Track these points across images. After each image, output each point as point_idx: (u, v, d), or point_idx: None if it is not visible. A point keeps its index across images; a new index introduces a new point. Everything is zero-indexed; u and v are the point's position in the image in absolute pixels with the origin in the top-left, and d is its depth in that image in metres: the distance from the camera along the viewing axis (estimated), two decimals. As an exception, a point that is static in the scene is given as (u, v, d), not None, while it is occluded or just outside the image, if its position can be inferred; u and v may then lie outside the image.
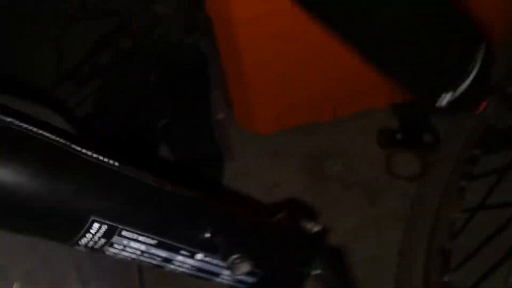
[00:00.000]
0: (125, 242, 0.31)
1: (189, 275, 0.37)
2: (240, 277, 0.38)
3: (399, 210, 0.83)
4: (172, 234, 0.33)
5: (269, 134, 0.94)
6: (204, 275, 0.37)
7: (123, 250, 0.32)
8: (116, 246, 0.31)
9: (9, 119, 0.27)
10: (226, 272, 0.38)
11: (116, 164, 0.31)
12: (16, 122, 0.27)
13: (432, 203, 0.73)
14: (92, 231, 0.30)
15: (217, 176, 0.90)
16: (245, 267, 0.36)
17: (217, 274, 0.38)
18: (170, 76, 0.89)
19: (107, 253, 0.32)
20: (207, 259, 0.36)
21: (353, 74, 0.85)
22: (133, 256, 0.33)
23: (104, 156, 0.31)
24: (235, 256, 0.36)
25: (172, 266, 0.35)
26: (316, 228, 0.46)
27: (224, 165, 0.91)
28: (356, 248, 0.80)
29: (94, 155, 0.30)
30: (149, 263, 0.34)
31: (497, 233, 0.59)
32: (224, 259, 0.36)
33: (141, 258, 0.33)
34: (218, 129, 0.89)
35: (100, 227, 0.30)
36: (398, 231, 0.77)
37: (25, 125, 0.28)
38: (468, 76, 0.48)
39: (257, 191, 0.88)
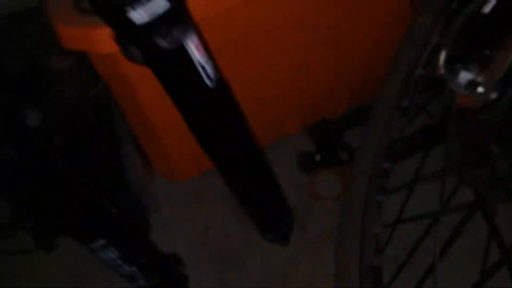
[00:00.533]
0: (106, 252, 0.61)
1: (121, 275, 0.68)
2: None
3: (328, 231, 0.85)
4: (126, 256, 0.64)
5: (190, 179, 0.92)
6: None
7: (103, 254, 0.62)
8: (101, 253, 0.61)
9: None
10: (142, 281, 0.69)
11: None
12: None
13: (355, 222, 0.76)
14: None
15: (143, 230, 0.88)
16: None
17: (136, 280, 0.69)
18: (75, 136, 0.85)
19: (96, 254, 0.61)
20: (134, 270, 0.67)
21: (262, 106, 0.87)
22: (105, 258, 0.62)
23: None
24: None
25: (120, 271, 0.66)
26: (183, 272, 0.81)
27: (149, 218, 0.88)
28: (293, 276, 0.80)
29: None
30: (110, 264, 0.64)
31: (418, 243, 0.62)
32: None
33: (109, 260, 0.63)
34: (137, 184, 0.86)
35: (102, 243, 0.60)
36: (330, 253, 0.79)
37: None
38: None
39: (186, 238, 0.87)
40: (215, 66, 0.45)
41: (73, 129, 0.87)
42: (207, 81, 0.44)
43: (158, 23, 0.38)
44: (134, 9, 0.36)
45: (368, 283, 0.68)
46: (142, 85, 0.66)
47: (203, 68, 0.43)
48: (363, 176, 0.79)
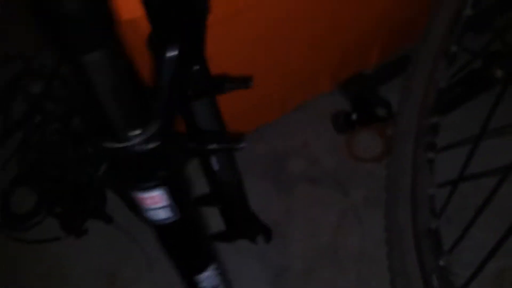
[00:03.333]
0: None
1: None
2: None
3: (374, 195, 0.79)
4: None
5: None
6: None
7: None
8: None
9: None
10: None
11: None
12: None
13: (404, 183, 0.70)
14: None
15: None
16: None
17: None
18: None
19: None
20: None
21: (293, 64, 0.80)
22: None
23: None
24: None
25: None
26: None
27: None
28: (342, 245, 0.76)
29: None
30: None
31: (485, 204, 0.55)
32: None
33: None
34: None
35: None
36: (379, 218, 0.74)
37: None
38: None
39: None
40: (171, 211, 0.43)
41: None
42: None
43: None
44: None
45: (425, 247, 0.63)
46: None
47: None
48: (409, 133, 0.73)
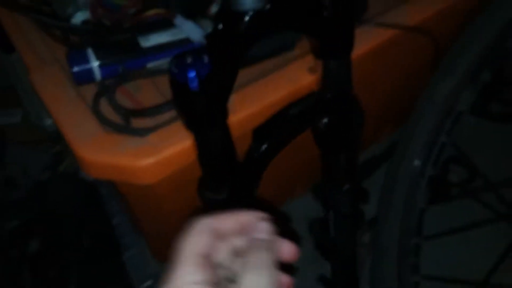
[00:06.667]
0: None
1: None
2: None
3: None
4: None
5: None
6: None
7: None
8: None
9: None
10: None
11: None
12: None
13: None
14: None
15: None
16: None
17: None
18: (55, 229, 0.71)
19: None
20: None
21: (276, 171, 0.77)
22: None
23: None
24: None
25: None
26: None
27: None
28: None
29: None
30: None
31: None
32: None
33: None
34: (131, 267, 0.74)
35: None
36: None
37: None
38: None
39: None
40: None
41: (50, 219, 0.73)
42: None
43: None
44: None
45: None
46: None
47: None
48: (390, 255, 0.72)
